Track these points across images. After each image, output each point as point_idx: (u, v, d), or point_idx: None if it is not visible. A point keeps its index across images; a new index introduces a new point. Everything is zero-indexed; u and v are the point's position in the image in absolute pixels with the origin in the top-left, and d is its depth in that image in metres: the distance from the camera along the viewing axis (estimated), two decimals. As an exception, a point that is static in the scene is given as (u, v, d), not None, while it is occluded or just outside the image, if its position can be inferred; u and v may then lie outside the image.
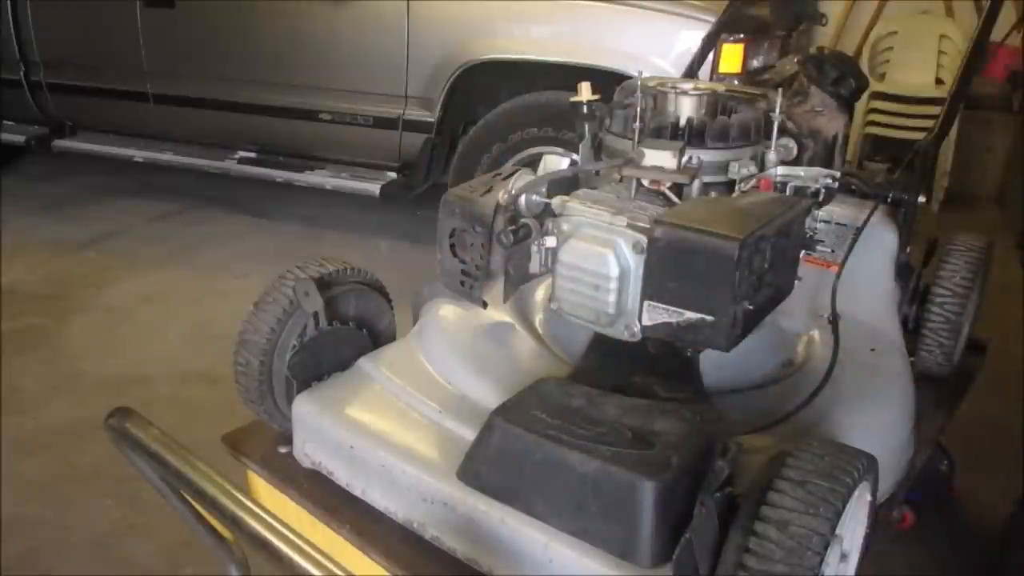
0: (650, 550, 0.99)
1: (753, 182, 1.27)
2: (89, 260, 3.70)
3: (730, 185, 1.28)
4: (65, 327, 3.10)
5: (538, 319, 1.50)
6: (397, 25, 3.36)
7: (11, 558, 1.98)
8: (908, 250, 1.65)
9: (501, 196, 1.21)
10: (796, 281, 1.21)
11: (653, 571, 0.98)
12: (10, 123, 4.36)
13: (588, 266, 1.14)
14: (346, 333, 1.40)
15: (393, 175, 3.66)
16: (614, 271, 1.11)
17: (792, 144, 1.38)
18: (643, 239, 1.09)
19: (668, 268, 1.06)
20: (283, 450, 1.38)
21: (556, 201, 1.21)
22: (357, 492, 1.25)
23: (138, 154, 4.08)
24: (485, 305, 1.30)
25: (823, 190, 1.32)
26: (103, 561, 1.99)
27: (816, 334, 1.47)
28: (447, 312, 1.46)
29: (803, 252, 1.27)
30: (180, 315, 3.21)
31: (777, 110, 1.31)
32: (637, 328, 1.12)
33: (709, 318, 1.04)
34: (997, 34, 1.80)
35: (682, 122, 1.28)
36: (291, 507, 1.31)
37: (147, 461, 1.03)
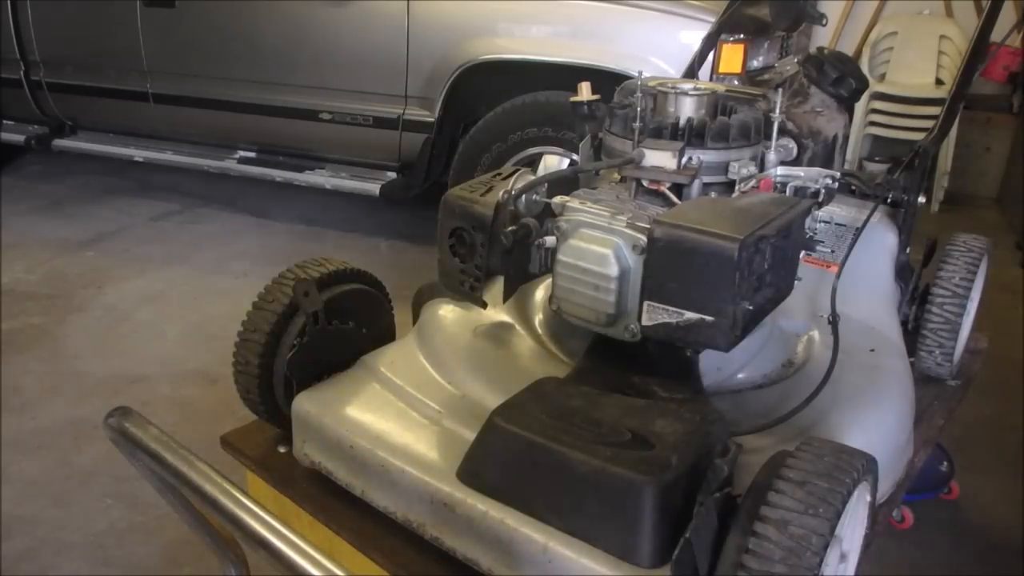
0: (650, 550, 0.98)
1: (753, 182, 1.27)
2: (89, 260, 3.70)
3: (730, 185, 1.28)
4: (65, 327, 3.10)
5: (538, 319, 1.50)
6: (397, 25, 3.36)
7: (11, 558, 1.98)
8: (908, 250, 1.65)
9: (501, 196, 1.21)
10: (796, 281, 1.21)
11: (653, 571, 0.98)
12: (10, 122, 4.36)
13: (588, 266, 1.14)
14: (346, 333, 1.40)
15: (393, 175, 3.66)
16: (614, 271, 1.11)
17: (792, 144, 1.38)
18: (643, 239, 1.09)
19: (668, 268, 1.06)
20: (283, 450, 1.38)
21: (556, 201, 1.21)
22: (357, 492, 1.25)
23: (138, 154, 4.09)
24: (485, 305, 1.30)
25: (823, 190, 1.32)
26: (103, 561, 1.99)
27: (816, 334, 1.47)
28: (447, 312, 1.46)
29: (803, 252, 1.27)
30: (180, 315, 3.21)
31: (777, 110, 1.31)
32: (637, 328, 1.12)
33: (709, 318, 1.04)
34: (997, 34, 1.80)
35: (682, 122, 1.28)
36: (291, 507, 1.31)
37: (147, 461, 1.03)
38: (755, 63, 3.13)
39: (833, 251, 1.60)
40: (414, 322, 1.52)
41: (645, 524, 0.98)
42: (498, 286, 1.29)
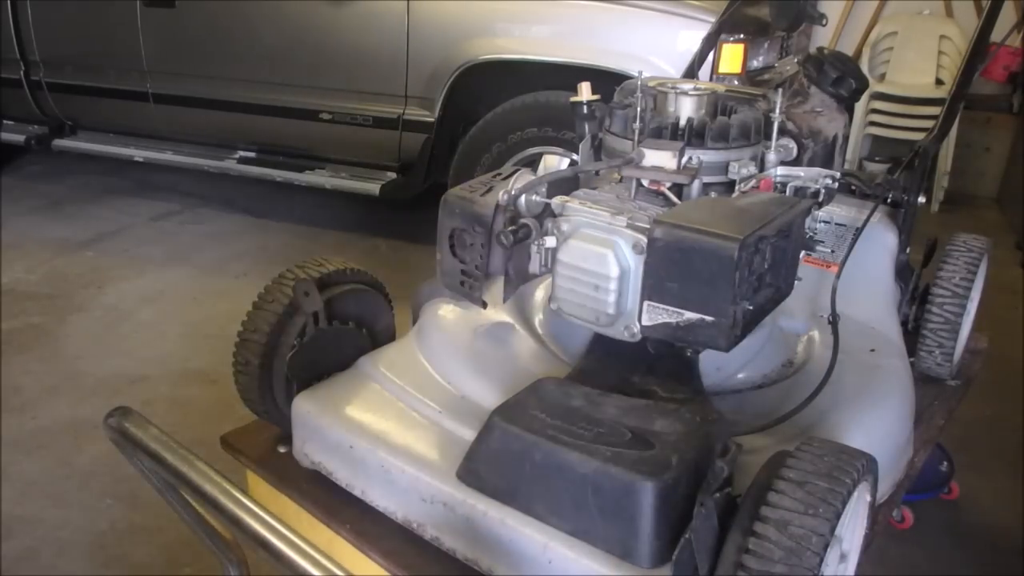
0: (650, 550, 0.99)
1: (753, 182, 1.27)
2: (89, 260, 3.70)
3: (730, 185, 1.28)
4: (65, 327, 3.10)
5: (538, 319, 1.50)
6: (397, 25, 3.36)
7: (11, 558, 1.98)
8: (908, 250, 1.65)
9: (501, 196, 1.21)
10: (796, 281, 1.21)
11: (653, 571, 0.98)
12: (10, 123, 4.36)
13: (588, 266, 1.14)
14: (346, 333, 1.40)
15: (393, 175, 3.66)
16: (614, 271, 1.11)
17: (792, 144, 1.38)
18: (643, 239, 1.09)
19: (668, 268, 1.06)
20: (283, 450, 1.38)
21: (556, 201, 1.21)
22: (357, 492, 1.25)
23: (138, 154, 4.09)
24: (485, 305, 1.30)
25: (823, 190, 1.32)
26: (103, 561, 1.99)
27: (816, 334, 1.47)
28: (447, 312, 1.46)
29: (803, 252, 1.26)
30: (180, 315, 3.21)
31: (777, 110, 1.31)
32: (637, 328, 1.12)
33: (709, 318, 1.04)
34: (997, 34, 1.80)
35: (682, 122, 1.28)
36: (291, 507, 1.31)
37: (147, 461, 1.02)
38: (755, 63, 3.13)
39: (833, 251, 1.60)
40: (414, 322, 1.52)
41: (645, 524, 0.98)
42: (498, 286, 1.29)
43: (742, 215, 1.10)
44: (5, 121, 4.37)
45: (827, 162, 1.44)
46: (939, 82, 4.84)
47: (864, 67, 4.80)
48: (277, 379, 1.35)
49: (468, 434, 1.18)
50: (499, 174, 1.31)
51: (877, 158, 4.55)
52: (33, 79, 4.17)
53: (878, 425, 1.28)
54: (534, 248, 1.23)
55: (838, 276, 1.35)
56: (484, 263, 1.23)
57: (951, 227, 1.93)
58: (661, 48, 3.09)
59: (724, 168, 1.27)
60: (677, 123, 1.28)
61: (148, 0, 3.74)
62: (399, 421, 1.27)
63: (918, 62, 4.87)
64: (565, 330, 1.40)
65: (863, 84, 1.48)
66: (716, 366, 1.33)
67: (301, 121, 3.69)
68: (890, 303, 1.61)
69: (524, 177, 1.26)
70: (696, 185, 1.25)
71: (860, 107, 4.57)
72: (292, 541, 0.85)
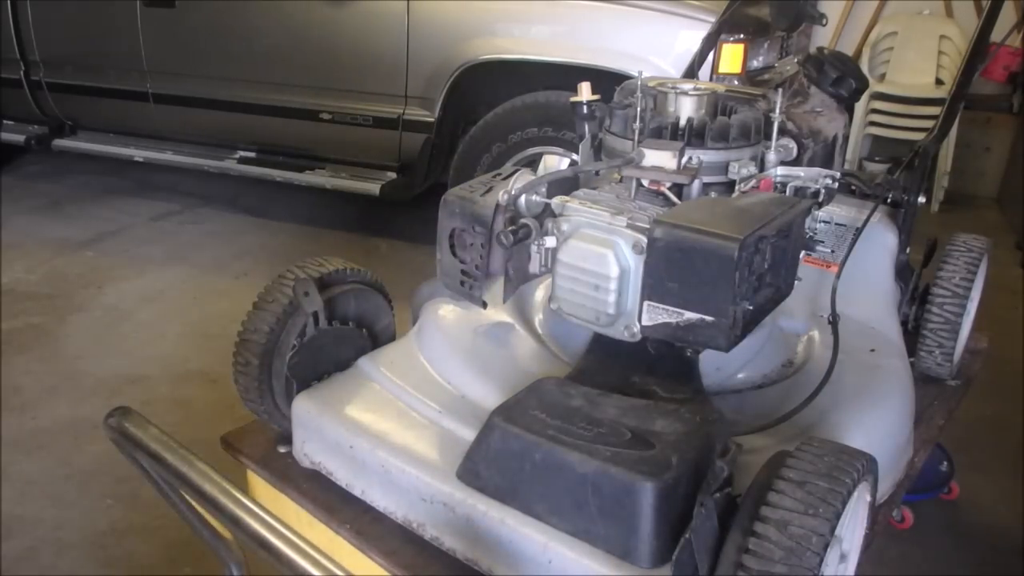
0: (650, 550, 0.98)
1: (753, 182, 1.27)
2: (89, 260, 3.70)
3: (730, 185, 1.28)
4: (65, 327, 3.10)
5: (538, 319, 1.50)
6: (397, 25, 3.36)
7: (11, 558, 1.98)
8: (908, 250, 1.65)
9: (501, 196, 1.21)
10: (796, 281, 1.21)
11: (653, 571, 0.98)
12: (10, 122, 4.36)
13: (588, 266, 1.14)
14: (346, 333, 1.40)
15: (393, 175, 3.66)
16: (614, 271, 1.11)
17: (792, 144, 1.38)
18: (643, 239, 1.09)
19: (668, 268, 1.06)
20: (283, 450, 1.38)
21: (556, 201, 1.21)
22: (357, 492, 1.25)
23: (138, 154, 4.09)
24: (485, 305, 1.30)
25: (823, 190, 1.32)
26: (103, 561, 1.99)
27: (816, 334, 1.47)
28: (447, 312, 1.46)
29: (803, 252, 1.26)
30: (180, 315, 3.21)
31: (777, 110, 1.31)
32: (637, 328, 1.12)
33: (709, 318, 1.04)
34: (997, 34, 1.80)
35: (682, 122, 1.28)
36: (291, 507, 1.31)
37: (147, 461, 1.02)
38: (755, 63, 3.13)
39: (833, 251, 1.60)
40: (414, 322, 1.52)
41: (645, 524, 0.98)
42: (498, 286, 1.29)
43: (742, 215, 1.10)
44: (5, 121, 4.37)
45: (827, 162, 1.44)
46: (939, 82, 4.84)
47: (864, 67, 4.80)
48: (277, 379, 1.35)
49: (468, 434, 1.18)
50: (499, 174, 1.31)
51: (877, 158, 4.55)
52: (33, 79, 4.17)
53: (878, 425, 1.28)
54: (534, 248, 1.23)
55: (838, 276, 1.35)
56: (484, 263, 1.23)
57: (951, 227, 1.93)
58: (661, 48, 3.10)
59: (724, 168, 1.27)
60: (677, 123, 1.28)
61: (148, 0, 3.74)
62: (399, 421, 1.26)
63: (918, 62, 4.87)
64: (565, 330, 1.40)
65: (863, 84, 1.48)
66: (716, 366, 1.33)
67: (301, 121, 3.69)
68: (890, 303, 1.61)
69: (524, 177, 1.26)
70: (696, 185, 1.25)
71: (860, 107, 4.57)
72: (292, 541, 0.85)
